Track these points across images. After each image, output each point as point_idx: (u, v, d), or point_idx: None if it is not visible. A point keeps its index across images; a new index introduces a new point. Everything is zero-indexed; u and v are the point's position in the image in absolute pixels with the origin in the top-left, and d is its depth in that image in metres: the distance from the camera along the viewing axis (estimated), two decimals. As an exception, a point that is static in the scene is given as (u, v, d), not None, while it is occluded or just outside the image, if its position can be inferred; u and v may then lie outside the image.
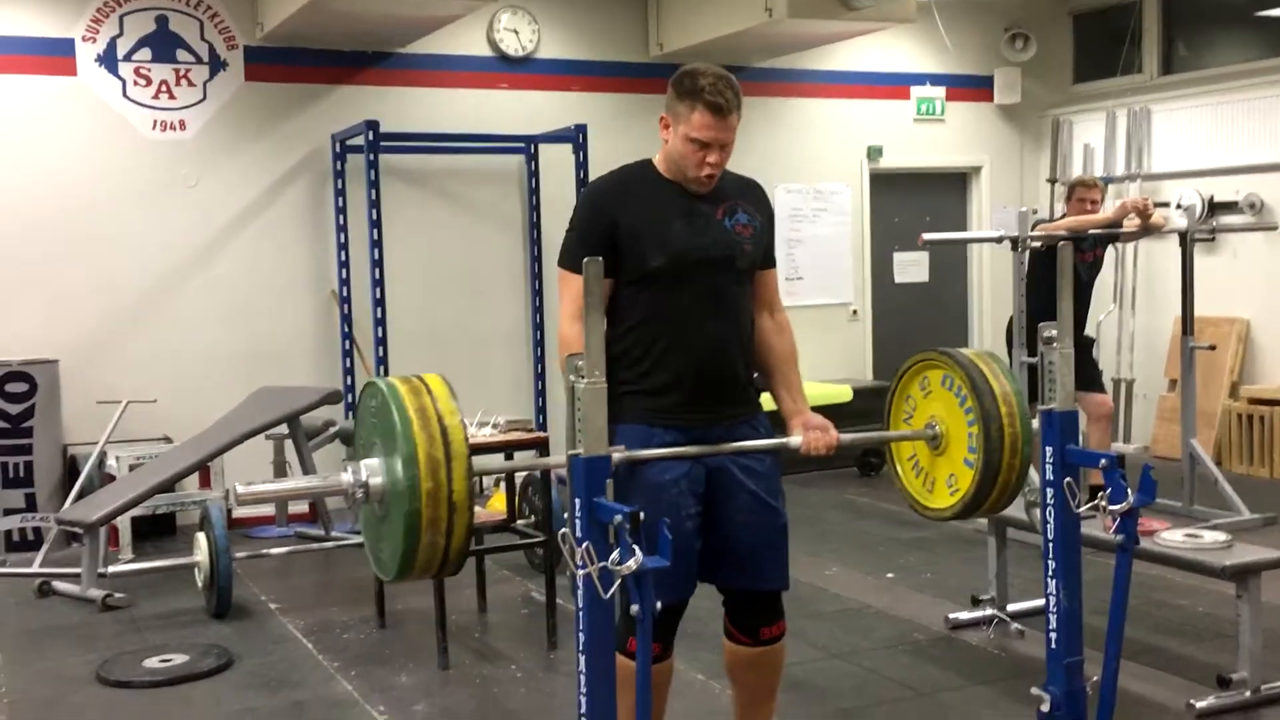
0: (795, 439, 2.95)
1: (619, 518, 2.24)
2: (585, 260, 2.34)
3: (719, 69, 2.89)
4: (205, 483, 6.52)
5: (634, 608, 2.27)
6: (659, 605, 2.56)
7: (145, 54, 6.87)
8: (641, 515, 2.25)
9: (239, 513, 6.75)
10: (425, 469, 2.35)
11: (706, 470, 2.89)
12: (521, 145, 7.59)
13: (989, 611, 4.69)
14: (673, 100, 2.89)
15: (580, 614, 2.35)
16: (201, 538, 5.21)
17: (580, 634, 2.36)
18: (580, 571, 2.30)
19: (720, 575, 2.98)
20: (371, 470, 2.48)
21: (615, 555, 2.24)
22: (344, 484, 2.50)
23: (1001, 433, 2.92)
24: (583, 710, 2.38)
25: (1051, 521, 2.91)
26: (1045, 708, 2.99)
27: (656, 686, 2.92)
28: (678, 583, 2.81)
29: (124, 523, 6.10)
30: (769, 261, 3.09)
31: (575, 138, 7.22)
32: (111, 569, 5.51)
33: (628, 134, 7.84)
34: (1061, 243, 3.05)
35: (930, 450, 3.14)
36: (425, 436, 2.37)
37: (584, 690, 2.37)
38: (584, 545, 2.28)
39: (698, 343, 2.88)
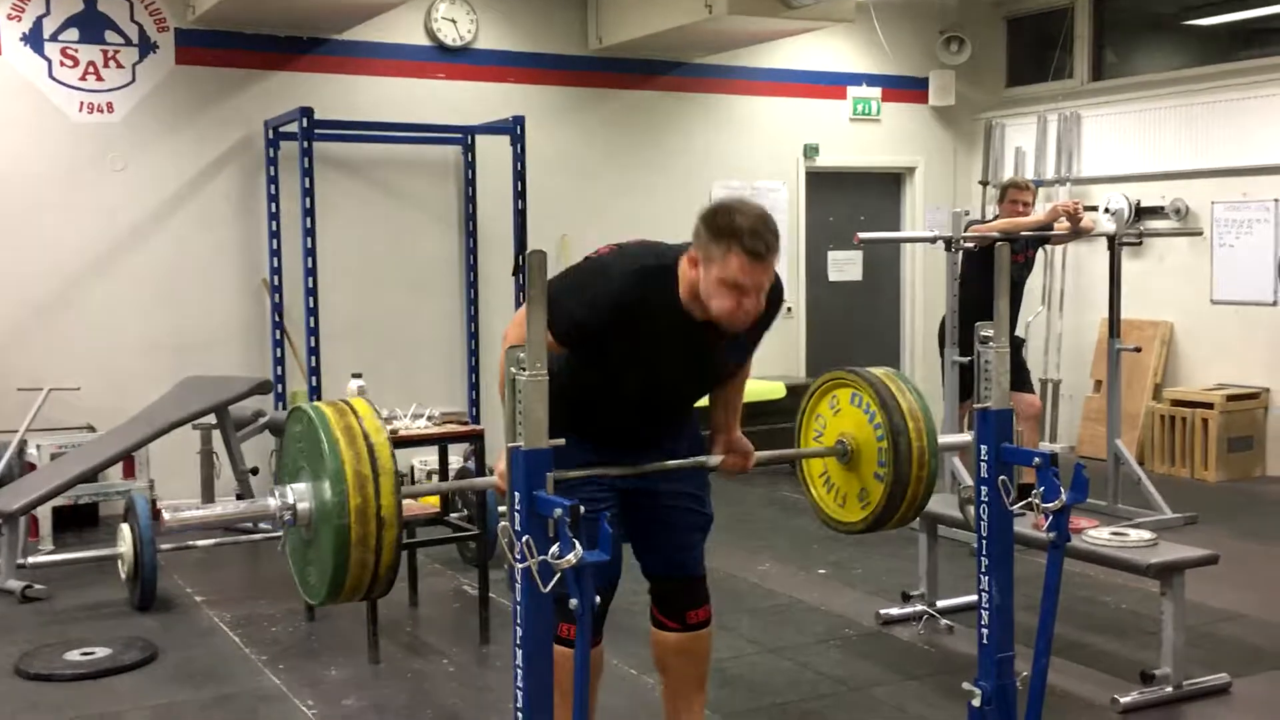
0: (715, 459, 3.05)
1: (559, 511, 2.22)
2: (529, 252, 2.32)
3: (757, 207, 2.68)
4: (129, 473, 6.39)
5: (572, 601, 2.26)
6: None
7: (73, 34, 6.71)
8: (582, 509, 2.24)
9: (164, 503, 6.61)
10: (353, 484, 2.38)
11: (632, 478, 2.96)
12: (459, 136, 7.53)
13: (919, 607, 4.74)
14: (705, 240, 2.64)
15: (518, 608, 2.33)
16: (125, 529, 5.10)
17: (518, 627, 2.34)
18: (519, 565, 2.28)
19: (646, 563, 3.09)
20: (299, 494, 2.51)
21: (555, 549, 2.22)
22: (271, 508, 2.52)
23: (910, 446, 3.05)
24: (519, 704, 2.36)
25: (986, 519, 2.94)
26: (976, 702, 3.03)
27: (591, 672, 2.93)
28: (602, 569, 2.75)
29: (44, 513, 5.95)
30: (750, 352, 3.02)
31: (513, 129, 7.18)
32: (31, 560, 5.38)
33: (566, 127, 7.81)
34: (999, 243, 3.09)
35: (841, 466, 3.25)
36: (352, 453, 2.41)
37: (520, 684, 2.36)
38: (524, 539, 2.26)
39: (644, 419, 2.95)
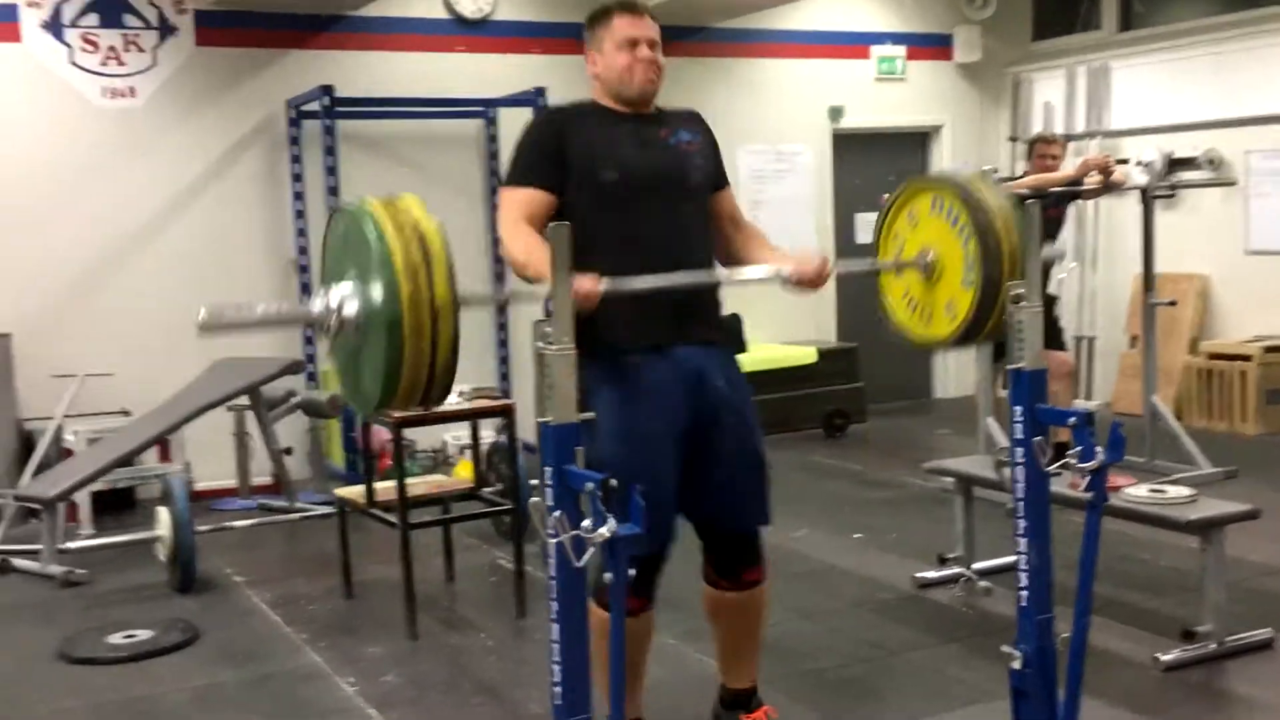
0: (785, 267, 2.92)
1: (590, 485, 2.21)
2: (551, 227, 2.29)
3: None
4: (165, 456, 6.44)
5: (606, 575, 2.25)
6: (638, 555, 2.55)
7: (92, 19, 6.71)
8: (613, 482, 2.22)
9: (200, 485, 6.68)
10: (404, 273, 2.22)
11: (691, 415, 2.90)
12: (480, 109, 7.50)
13: (956, 570, 4.71)
14: (590, 33, 2.98)
15: (553, 582, 2.32)
16: (163, 512, 5.14)
17: (553, 602, 2.33)
18: (552, 540, 2.27)
19: (700, 514, 3.00)
20: (344, 294, 2.33)
21: (588, 523, 2.21)
22: (315, 312, 2.36)
23: (999, 244, 2.84)
24: (556, 679, 2.36)
25: (1022, 480, 2.90)
26: (1017, 665, 3.00)
27: (636, 638, 2.94)
28: (657, 533, 2.81)
29: (83, 498, 6.01)
30: (723, 180, 3.12)
31: (535, 101, 7.14)
32: (71, 545, 5.43)
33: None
34: (1028, 201, 3.03)
35: (924, 281, 3.05)
36: (401, 241, 2.24)
37: (557, 658, 2.35)
38: (556, 513, 2.25)
39: (660, 262, 2.82)
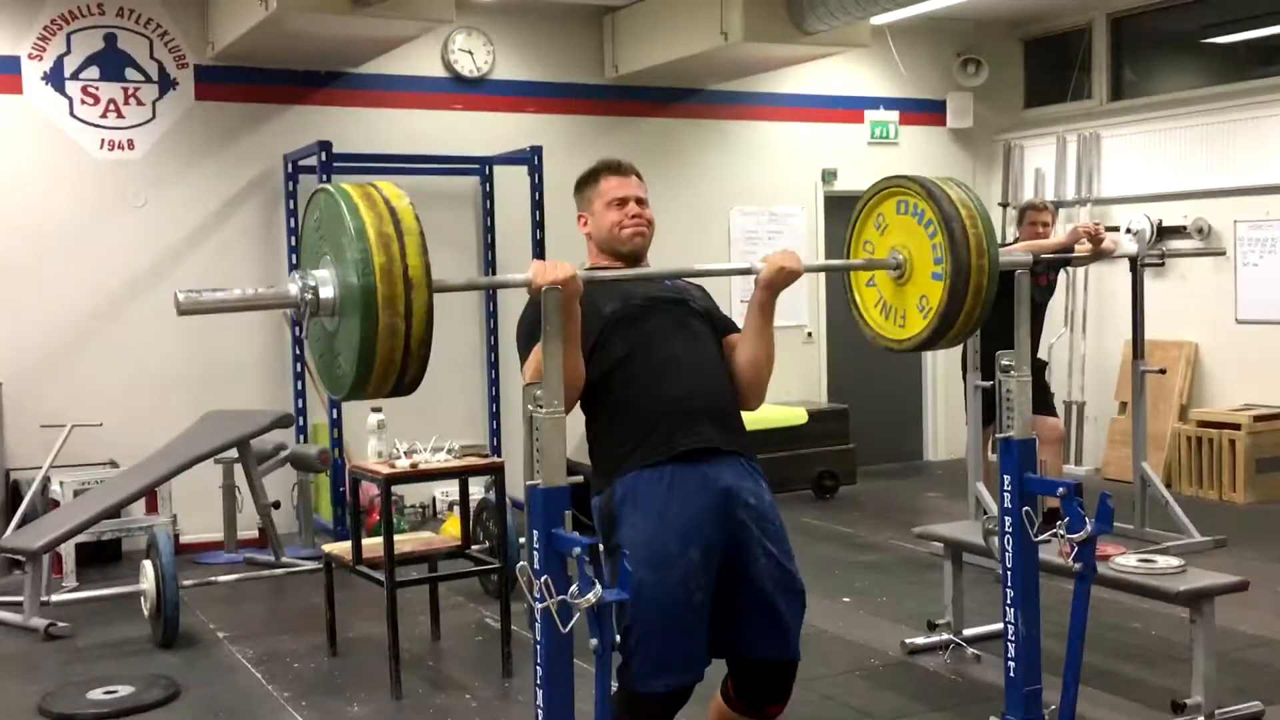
0: (757, 265, 2.87)
1: (578, 550, 2.21)
2: (544, 289, 2.31)
3: None
4: (152, 508, 6.40)
5: (592, 641, 2.24)
6: (664, 688, 2.64)
7: (93, 72, 6.77)
8: (607, 548, 2.21)
9: (187, 538, 6.64)
10: (376, 243, 2.25)
11: (724, 536, 2.75)
12: (476, 166, 7.56)
13: (945, 636, 4.69)
14: (580, 196, 3.02)
15: (538, 648, 2.31)
16: (148, 565, 5.11)
17: (538, 667, 2.32)
18: (538, 605, 2.26)
19: (740, 642, 2.80)
20: (320, 279, 2.36)
21: (574, 589, 2.20)
22: (291, 294, 2.37)
23: (965, 232, 2.87)
24: (540, 745, 2.34)
25: (1010, 550, 2.90)
26: (1004, 736, 2.98)
27: None
28: (688, 661, 2.70)
29: (68, 549, 5.96)
30: (730, 327, 3.03)
31: (531, 159, 7.20)
32: (55, 597, 5.38)
33: (583, 155, 7.73)
34: (1019, 270, 3.06)
35: (895, 282, 3.07)
36: (373, 215, 2.28)
37: (541, 725, 2.33)
38: (542, 578, 2.25)
39: (673, 369, 2.81)
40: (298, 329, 7.06)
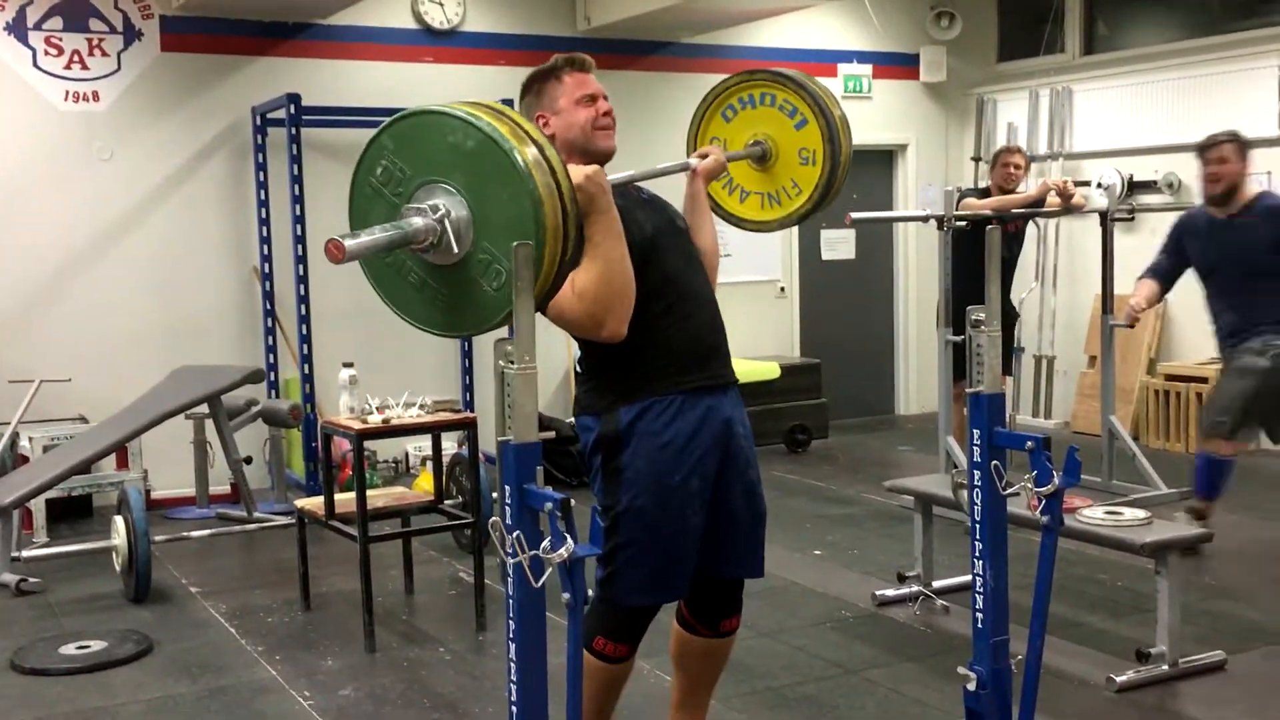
0: (692, 161, 3.14)
1: (550, 505, 2.21)
2: (516, 244, 2.28)
3: None
4: (123, 464, 6.38)
5: (564, 595, 2.25)
6: (648, 603, 2.79)
7: (56, 23, 6.66)
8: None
9: (158, 493, 6.62)
10: (512, 136, 2.24)
11: (716, 466, 2.84)
12: (447, 120, 7.47)
13: (915, 588, 4.74)
14: (536, 96, 2.86)
15: (511, 602, 2.32)
16: (119, 520, 5.10)
17: (511, 622, 2.33)
18: (511, 561, 2.26)
19: (716, 563, 2.91)
20: (442, 201, 2.30)
21: (546, 544, 2.21)
22: (418, 226, 2.29)
23: (835, 112, 3.32)
24: (513, 699, 2.35)
25: (979, 503, 2.93)
26: (971, 686, 3.02)
27: (617, 683, 2.91)
28: (677, 585, 2.83)
29: (38, 505, 5.94)
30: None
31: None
32: (25, 553, 5.36)
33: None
34: (989, 226, 3.07)
35: (758, 169, 3.38)
36: (490, 113, 2.29)
37: (514, 678, 2.35)
38: (514, 534, 2.25)
39: (692, 304, 2.85)
40: (268, 302, 7.01)
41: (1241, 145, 5.16)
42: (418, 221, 2.32)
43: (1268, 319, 5.05)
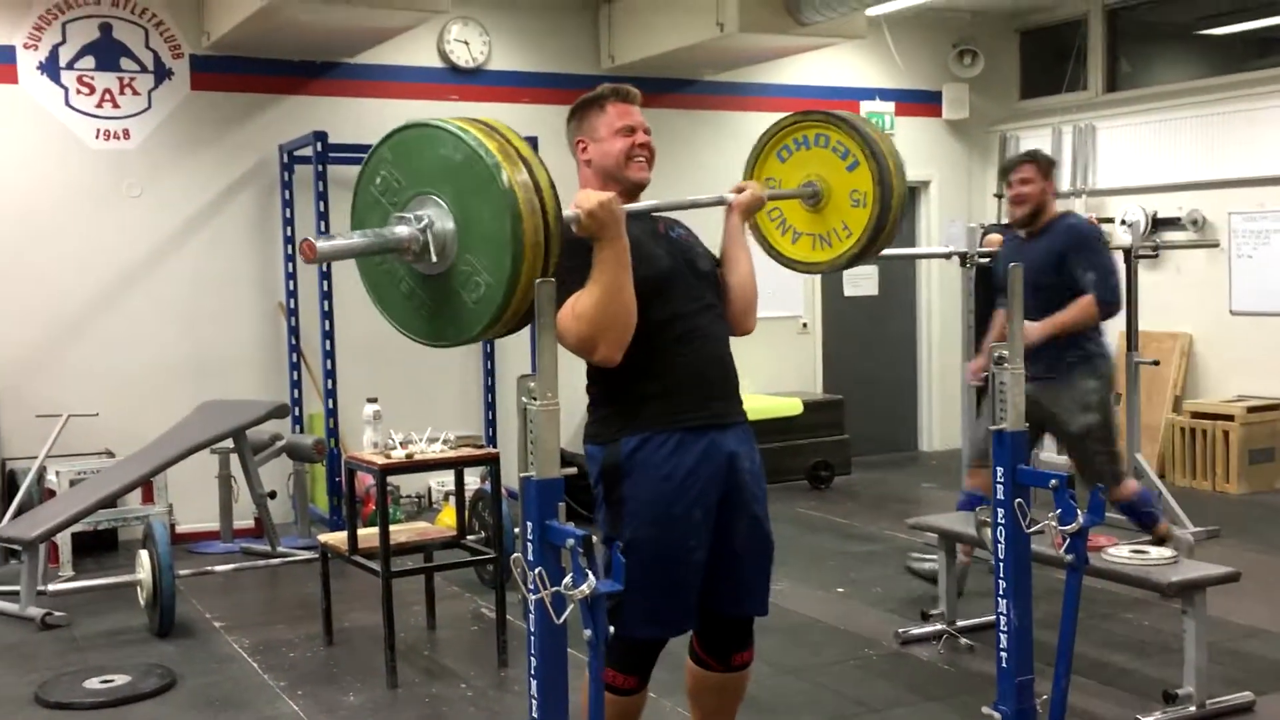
0: (728, 195, 3.07)
1: (571, 541, 2.22)
2: (537, 282, 2.30)
3: None
4: (148, 498, 6.41)
5: (586, 633, 2.25)
6: (651, 636, 2.78)
7: (89, 62, 6.76)
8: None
9: (183, 527, 6.65)
10: (499, 153, 2.29)
11: (719, 500, 2.84)
12: (472, 157, 7.53)
13: (939, 627, 4.71)
14: (579, 122, 2.93)
15: (532, 639, 2.32)
16: (144, 554, 5.12)
17: (532, 658, 2.33)
18: (533, 597, 2.27)
19: (717, 599, 2.90)
20: (428, 212, 2.35)
21: (568, 580, 2.21)
22: (402, 235, 2.34)
23: (889, 163, 3.16)
24: (534, 735, 2.35)
25: (1003, 541, 2.92)
26: (996, 726, 3.01)
27: (630, 717, 2.90)
28: (681, 617, 2.83)
29: (64, 539, 5.97)
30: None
31: (526, 150, 7.18)
32: (51, 587, 5.39)
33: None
34: (1011, 265, 3.07)
35: (809, 210, 3.31)
36: (481, 130, 2.35)
37: (535, 715, 2.35)
38: (536, 570, 2.26)
39: (701, 342, 2.86)
40: (293, 337, 7.06)
41: (1042, 165, 5.09)
42: (401, 230, 2.37)
43: (1044, 344, 4.96)
